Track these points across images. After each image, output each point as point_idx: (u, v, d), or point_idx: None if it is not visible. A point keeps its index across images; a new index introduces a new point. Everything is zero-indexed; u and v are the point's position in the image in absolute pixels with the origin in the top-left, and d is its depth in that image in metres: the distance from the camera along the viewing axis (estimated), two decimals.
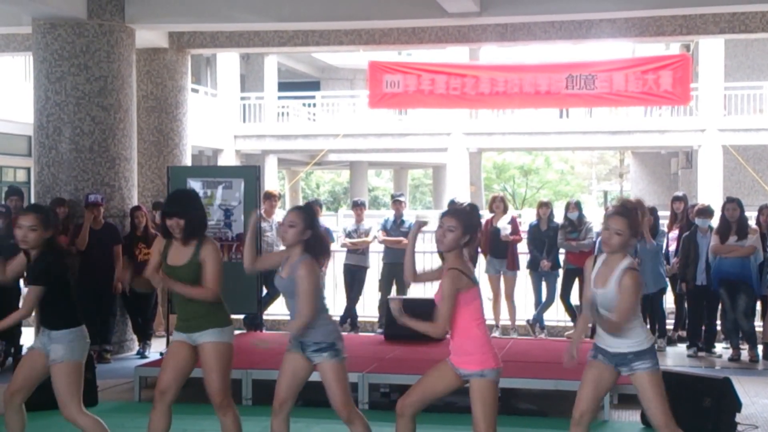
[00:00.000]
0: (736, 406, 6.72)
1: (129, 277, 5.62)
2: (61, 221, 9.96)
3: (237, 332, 10.35)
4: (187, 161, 13.11)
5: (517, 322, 11.60)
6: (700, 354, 10.30)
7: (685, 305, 10.90)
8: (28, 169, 19.64)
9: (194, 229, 5.37)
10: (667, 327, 10.97)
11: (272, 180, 30.21)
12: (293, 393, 5.32)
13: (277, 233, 10.55)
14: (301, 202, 38.15)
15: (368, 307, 12.19)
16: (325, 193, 50.43)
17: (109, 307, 10.19)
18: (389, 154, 33.53)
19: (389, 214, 12.23)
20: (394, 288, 11.60)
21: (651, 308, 10.70)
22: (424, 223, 5.65)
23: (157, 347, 10.35)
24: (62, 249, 5.45)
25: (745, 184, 25.71)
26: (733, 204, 10.06)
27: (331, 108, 31.99)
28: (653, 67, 13.10)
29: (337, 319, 11.85)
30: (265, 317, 11.44)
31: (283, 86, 32.50)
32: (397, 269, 10.89)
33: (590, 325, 5.58)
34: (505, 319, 11.63)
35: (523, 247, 11.79)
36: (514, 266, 11.50)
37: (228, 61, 28.46)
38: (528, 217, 18.91)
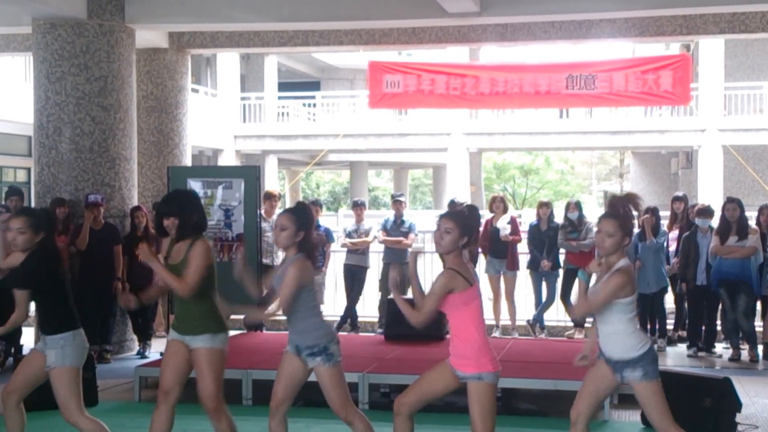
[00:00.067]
0: (736, 406, 6.72)
1: (135, 300, 5.59)
2: (62, 221, 9.98)
3: (237, 332, 10.43)
4: (187, 161, 13.11)
5: (518, 322, 11.60)
6: (700, 354, 10.30)
7: (685, 305, 10.90)
8: (29, 170, 19.64)
9: (187, 229, 5.36)
10: (668, 327, 10.97)
11: (272, 180, 30.21)
12: (291, 394, 5.32)
13: None
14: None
15: (368, 307, 12.19)
16: (325, 193, 50.42)
17: (109, 307, 10.20)
18: (389, 154, 33.53)
19: (389, 214, 12.22)
20: None
21: (652, 308, 10.72)
22: (419, 254, 5.66)
23: (157, 347, 10.35)
24: (54, 252, 5.37)
25: (746, 184, 25.71)
26: (733, 204, 10.06)
27: (331, 108, 31.99)
28: (653, 67, 13.11)
29: (337, 319, 11.87)
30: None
31: (283, 86, 32.49)
32: (397, 269, 10.88)
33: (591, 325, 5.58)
34: (505, 319, 11.63)
35: (523, 247, 11.79)
36: (513, 266, 11.50)
37: (228, 61, 28.45)
38: (528, 217, 18.90)
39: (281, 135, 29.13)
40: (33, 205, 11.20)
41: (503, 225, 11.41)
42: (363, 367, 7.75)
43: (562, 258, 11.47)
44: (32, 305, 5.35)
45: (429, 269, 11.63)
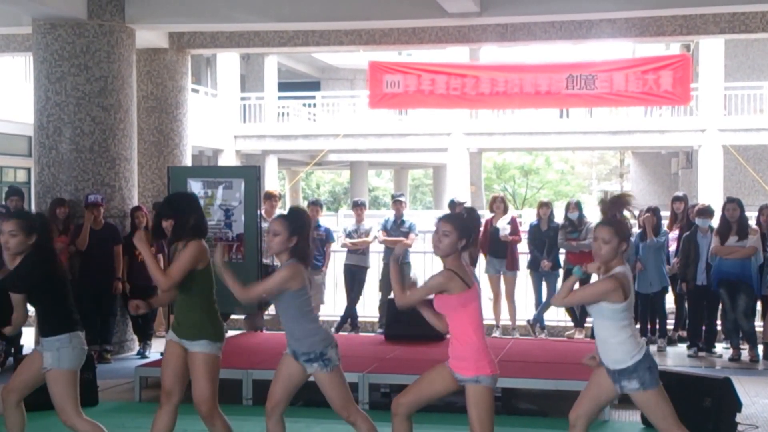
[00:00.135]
0: (737, 406, 6.72)
1: (144, 305, 5.58)
2: (62, 221, 9.99)
3: (237, 332, 10.43)
4: (188, 161, 13.11)
5: (518, 322, 11.60)
6: (701, 354, 10.30)
7: (686, 305, 10.90)
8: (29, 170, 19.65)
9: (183, 230, 5.36)
10: (668, 327, 10.97)
11: (272, 180, 30.21)
12: (287, 396, 5.32)
13: None
14: (301, 202, 38.19)
15: (368, 307, 12.18)
16: (325, 193, 50.43)
17: (109, 307, 10.20)
18: (389, 154, 33.54)
19: (389, 214, 12.23)
20: None
21: (652, 307, 10.72)
22: (404, 248, 5.66)
23: (157, 347, 10.33)
24: (49, 254, 5.34)
25: (746, 184, 25.72)
26: (733, 204, 10.06)
27: (331, 108, 32.00)
28: (653, 67, 13.10)
29: (338, 319, 11.88)
30: (265, 317, 11.45)
31: (283, 86, 32.50)
32: (402, 249, 10.94)
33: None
34: (505, 319, 11.62)
35: (523, 247, 11.80)
36: (514, 266, 11.50)
37: (228, 62, 28.46)
38: (528, 217, 18.91)
39: (281, 135, 29.14)
40: (33, 205, 11.20)
41: (503, 225, 11.41)
42: (363, 367, 7.75)
43: (562, 258, 11.47)
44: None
45: (429, 270, 11.63)
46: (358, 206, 12.11)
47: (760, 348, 10.16)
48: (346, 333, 11.55)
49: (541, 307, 11.50)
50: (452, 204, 11.36)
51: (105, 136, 10.46)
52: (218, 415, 5.38)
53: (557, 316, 11.91)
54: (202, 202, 9.12)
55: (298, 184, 38.29)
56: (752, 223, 10.37)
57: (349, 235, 11.80)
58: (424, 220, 16.50)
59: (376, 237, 11.74)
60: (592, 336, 5.42)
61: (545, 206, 11.75)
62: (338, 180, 51.28)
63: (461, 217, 5.07)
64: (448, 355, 5.00)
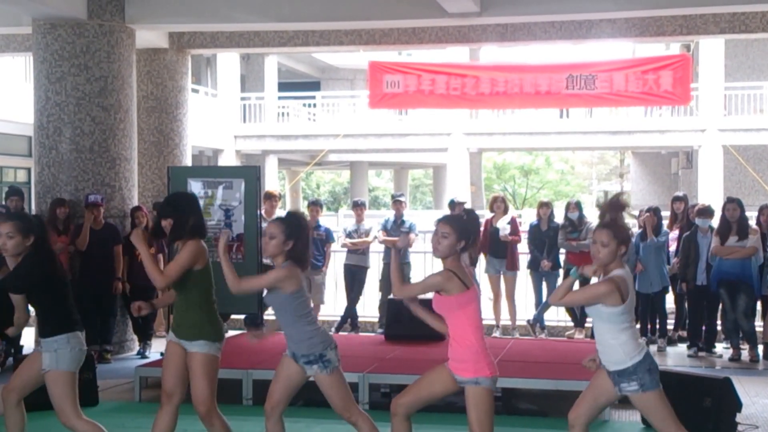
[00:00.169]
0: (737, 406, 6.72)
1: (146, 305, 5.59)
2: (62, 221, 9.99)
3: (237, 332, 10.42)
4: (188, 161, 13.11)
5: (518, 322, 11.60)
6: (701, 354, 10.30)
7: (686, 305, 10.90)
8: (29, 170, 19.65)
9: (182, 230, 5.36)
10: (668, 327, 10.97)
11: (272, 180, 30.22)
12: (286, 397, 5.32)
13: None
14: (301, 203, 38.21)
15: (368, 307, 12.18)
16: (325, 193, 50.44)
17: (109, 307, 10.20)
18: (389, 154, 33.54)
19: (389, 214, 12.23)
20: None
21: (652, 307, 10.72)
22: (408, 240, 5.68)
23: (157, 347, 10.33)
24: (48, 254, 5.33)
25: (746, 184, 25.72)
26: (733, 204, 10.06)
27: (331, 108, 32.00)
28: (653, 67, 13.10)
29: (338, 319, 11.87)
30: (266, 317, 11.44)
31: (283, 86, 32.50)
32: (406, 240, 10.97)
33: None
34: (505, 319, 11.62)
35: (523, 247, 11.79)
36: (514, 266, 11.49)
37: (228, 62, 28.47)
38: (528, 217, 18.91)
39: (281, 135, 29.15)
40: (33, 205, 11.20)
41: (503, 225, 11.41)
42: (363, 367, 7.75)
43: (562, 258, 11.47)
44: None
45: (429, 270, 11.62)
46: (358, 206, 12.11)
47: (760, 348, 10.15)
48: (346, 333, 11.55)
49: (541, 307, 11.50)
50: (452, 204, 11.36)
51: (105, 136, 10.46)
52: (217, 416, 5.38)
53: (557, 316, 11.91)
54: (202, 202, 9.13)
55: (298, 184, 38.29)
56: (752, 223, 10.36)
57: (349, 235, 11.80)
58: (424, 220, 16.49)
59: (376, 237, 11.73)
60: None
61: (545, 206, 11.75)
62: (338, 180, 51.29)
63: (460, 218, 5.07)
64: (447, 356, 5.01)
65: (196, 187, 10.08)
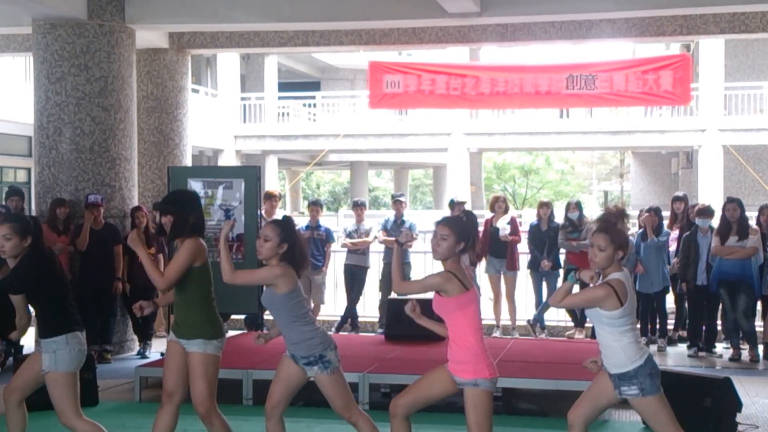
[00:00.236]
0: (737, 406, 6.71)
1: (148, 304, 5.58)
2: (62, 222, 9.99)
3: (237, 332, 10.43)
4: (188, 161, 13.11)
5: (518, 322, 11.60)
6: (701, 354, 10.30)
7: (686, 305, 10.90)
8: (29, 170, 19.65)
9: (182, 228, 5.36)
10: (668, 327, 10.97)
11: (273, 180, 30.22)
12: (287, 397, 5.32)
13: None
14: (301, 203, 38.24)
15: (369, 307, 12.18)
16: (325, 193, 50.44)
17: (109, 307, 10.20)
18: (389, 154, 33.54)
19: (390, 214, 12.23)
20: None
21: (653, 307, 10.72)
22: (410, 236, 5.69)
23: (157, 347, 10.34)
24: (46, 254, 5.34)
25: (746, 184, 25.73)
26: (733, 204, 10.06)
27: (331, 108, 32.00)
28: (653, 67, 13.10)
29: (338, 319, 11.87)
30: (266, 317, 11.44)
31: (283, 86, 32.51)
32: (408, 235, 10.92)
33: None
34: (505, 319, 11.62)
35: (523, 247, 11.80)
36: (514, 266, 11.49)
37: (228, 62, 28.47)
38: (528, 217, 18.91)
39: (281, 135, 29.15)
40: (33, 205, 11.20)
41: (503, 225, 11.41)
42: (363, 367, 7.75)
43: (562, 258, 11.47)
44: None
45: (429, 270, 11.62)
46: (358, 206, 12.11)
47: (761, 348, 10.15)
48: (346, 333, 11.55)
49: (541, 307, 11.50)
50: (452, 204, 11.37)
51: (105, 136, 10.46)
52: (216, 415, 5.37)
53: (557, 316, 11.91)
54: (202, 202, 9.13)
55: (298, 184, 38.31)
56: (752, 223, 10.36)
57: (349, 235, 11.81)
58: (424, 220, 16.47)
59: (376, 237, 11.74)
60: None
61: (545, 206, 11.74)
62: (338, 180, 51.29)
63: (459, 220, 5.06)
64: (447, 357, 5.01)
65: (196, 187, 10.08)
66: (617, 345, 4.87)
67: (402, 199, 12.08)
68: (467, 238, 4.92)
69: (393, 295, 11.24)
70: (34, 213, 10.94)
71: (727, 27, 11.57)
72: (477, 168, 31.99)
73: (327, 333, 5.39)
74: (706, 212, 10.37)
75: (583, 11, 10.92)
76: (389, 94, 13.78)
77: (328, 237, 11.54)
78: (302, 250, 5.30)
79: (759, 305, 10.40)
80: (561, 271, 11.36)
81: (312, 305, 11.12)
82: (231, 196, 10.18)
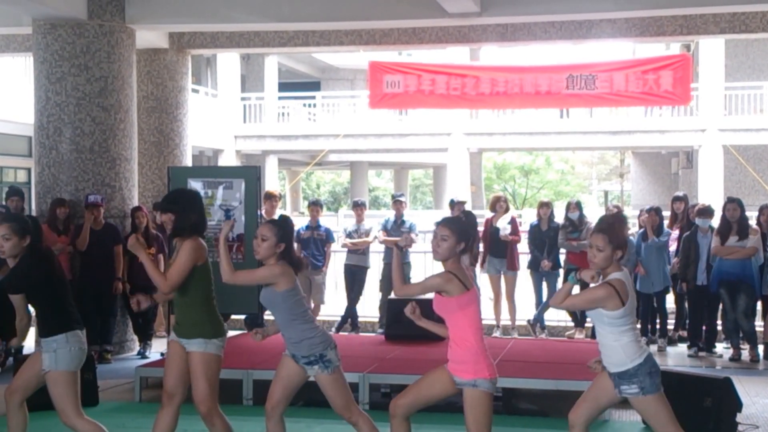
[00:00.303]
0: (737, 406, 6.71)
1: (145, 299, 5.57)
2: (62, 222, 9.99)
3: (237, 332, 10.42)
4: (188, 162, 13.11)
5: (518, 322, 11.60)
6: (701, 354, 10.30)
7: (686, 305, 10.90)
8: (29, 170, 19.65)
9: (183, 227, 5.36)
10: (668, 327, 10.97)
11: (273, 180, 30.23)
12: (287, 397, 5.32)
13: None
14: (301, 203, 38.24)
15: (369, 307, 12.18)
16: (325, 193, 50.44)
17: (109, 307, 10.20)
18: (389, 155, 33.54)
19: (390, 214, 12.23)
20: None
21: (653, 307, 10.72)
22: (410, 240, 5.69)
23: (157, 347, 10.35)
24: (45, 254, 5.34)
25: (746, 184, 25.72)
26: (733, 204, 10.06)
27: (331, 108, 32.00)
28: (653, 67, 13.10)
29: (338, 319, 11.87)
30: (266, 317, 11.44)
31: (283, 86, 32.51)
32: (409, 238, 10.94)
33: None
34: (505, 319, 11.62)
35: (523, 247, 11.79)
36: (514, 266, 11.50)
37: (228, 62, 28.47)
38: (528, 217, 18.91)
39: (281, 135, 29.15)
40: (34, 205, 11.20)
41: (503, 225, 11.41)
42: (363, 367, 7.75)
43: (562, 258, 11.47)
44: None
45: (429, 270, 11.62)
46: (358, 206, 12.11)
47: (761, 348, 10.16)
48: (346, 333, 11.55)
49: (542, 307, 11.50)
50: (452, 204, 11.37)
51: (105, 136, 10.46)
52: (218, 415, 5.37)
53: (557, 316, 11.91)
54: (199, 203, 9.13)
55: (298, 184, 38.31)
56: (752, 223, 10.37)
57: (349, 235, 11.81)
58: (424, 220, 16.50)
59: (376, 237, 11.74)
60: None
61: (545, 206, 11.74)
62: (338, 180, 51.29)
63: (459, 220, 5.06)
64: (447, 357, 5.00)
65: (196, 187, 10.07)
66: (617, 344, 4.87)
67: (402, 199, 12.07)
68: (467, 239, 4.93)
69: (393, 295, 11.25)
70: (34, 213, 10.94)
71: (727, 27, 11.57)
72: (477, 168, 31.99)
73: (327, 332, 5.40)
74: (706, 212, 10.37)
75: (583, 11, 10.92)
76: (389, 94, 13.78)
77: (328, 237, 11.54)
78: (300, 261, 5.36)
79: (759, 305, 10.40)
80: (561, 271, 11.37)
81: (312, 305, 11.13)
82: (231, 196, 10.18)
